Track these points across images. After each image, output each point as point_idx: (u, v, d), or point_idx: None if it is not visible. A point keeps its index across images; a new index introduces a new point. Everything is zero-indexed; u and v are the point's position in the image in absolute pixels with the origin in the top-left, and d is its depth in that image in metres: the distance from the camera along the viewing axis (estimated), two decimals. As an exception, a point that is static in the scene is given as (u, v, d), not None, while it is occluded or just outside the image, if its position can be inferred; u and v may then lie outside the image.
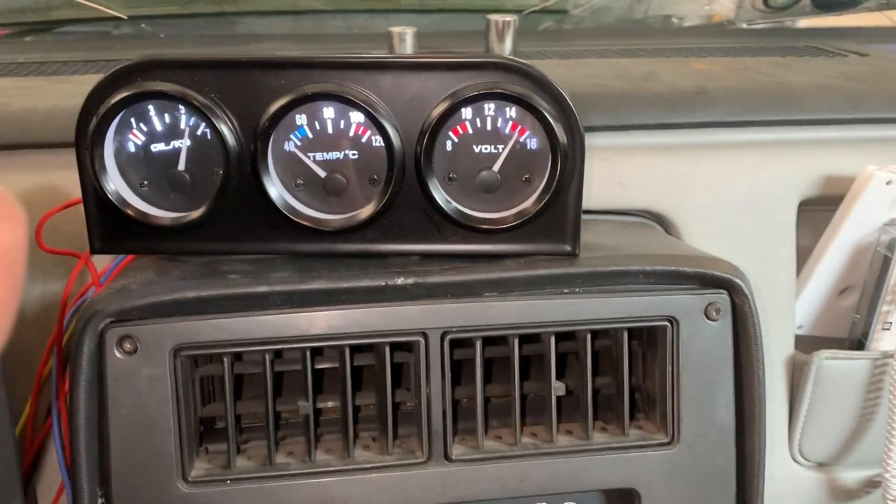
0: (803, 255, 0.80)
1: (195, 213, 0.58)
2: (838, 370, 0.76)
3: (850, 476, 0.80)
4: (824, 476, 0.80)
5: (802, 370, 0.77)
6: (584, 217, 0.74)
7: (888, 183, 0.74)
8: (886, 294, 0.76)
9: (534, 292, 0.60)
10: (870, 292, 0.78)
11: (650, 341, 0.63)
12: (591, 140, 0.76)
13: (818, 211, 0.80)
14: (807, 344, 0.80)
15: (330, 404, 0.61)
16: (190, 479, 0.57)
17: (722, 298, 0.60)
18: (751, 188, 0.77)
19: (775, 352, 0.78)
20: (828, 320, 0.82)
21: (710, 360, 0.61)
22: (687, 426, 0.61)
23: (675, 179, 0.77)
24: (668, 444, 0.61)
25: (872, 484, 0.81)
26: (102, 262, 0.67)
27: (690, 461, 0.61)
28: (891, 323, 0.78)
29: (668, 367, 0.60)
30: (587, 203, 0.75)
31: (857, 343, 0.80)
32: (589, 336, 0.61)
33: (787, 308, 0.79)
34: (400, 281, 0.57)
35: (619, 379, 0.62)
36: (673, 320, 0.60)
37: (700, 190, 0.77)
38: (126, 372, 0.55)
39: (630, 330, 0.62)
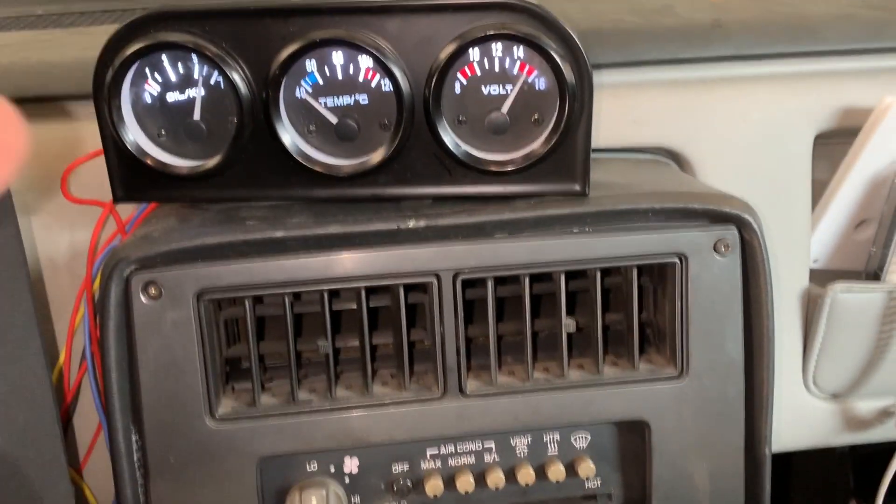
0: (819, 189, 0.80)
1: (212, 162, 0.60)
2: (853, 302, 0.76)
3: (864, 406, 0.82)
4: (838, 406, 0.81)
5: (817, 303, 0.77)
6: (596, 156, 0.75)
7: (906, 113, 0.73)
8: (903, 226, 0.76)
9: (544, 232, 0.61)
10: (886, 224, 0.78)
11: (660, 277, 0.64)
12: (604, 77, 0.76)
13: (835, 144, 0.79)
14: (823, 277, 0.80)
15: (349, 344, 0.63)
16: (217, 416, 0.60)
17: (731, 234, 0.61)
18: (766, 122, 0.77)
19: (790, 285, 0.79)
20: (844, 254, 0.82)
21: (719, 295, 0.62)
22: (696, 360, 0.62)
23: (690, 115, 0.76)
24: (678, 377, 0.63)
25: (886, 413, 0.82)
26: (126, 211, 0.69)
27: (699, 394, 0.63)
28: (907, 255, 0.78)
29: (678, 303, 0.62)
30: (600, 141, 0.76)
31: (874, 275, 0.80)
32: (599, 274, 0.62)
33: (801, 242, 0.79)
34: (412, 224, 0.59)
35: (629, 315, 0.63)
36: (682, 257, 0.61)
37: (714, 125, 0.76)
38: (152, 316, 0.57)
39: (640, 267, 0.63)
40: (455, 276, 0.60)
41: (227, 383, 0.64)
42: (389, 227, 0.58)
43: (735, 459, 0.65)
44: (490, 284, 0.61)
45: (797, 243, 0.79)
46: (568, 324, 0.62)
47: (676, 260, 0.61)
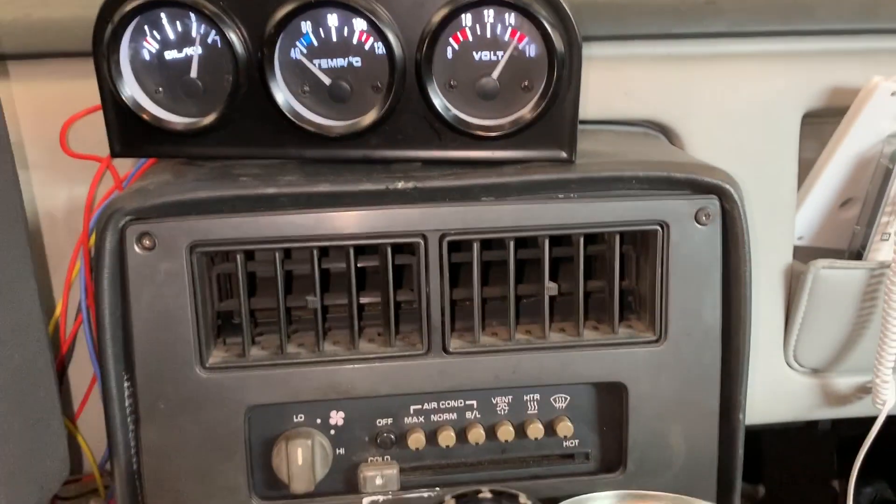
0: (807, 168, 0.81)
1: (207, 119, 0.62)
2: (834, 279, 0.78)
3: (843, 382, 0.83)
4: (818, 381, 0.83)
5: (800, 279, 0.79)
6: (587, 127, 0.76)
7: (893, 94, 0.74)
8: (886, 205, 0.77)
9: (530, 197, 0.62)
10: (871, 204, 0.79)
11: (643, 246, 0.66)
12: (596, 49, 0.77)
13: (823, 123, 0.81)
14: (808, 255, 0.82)
15: (338, 302, 0.65)
16: (207, 366, 0.62)
17: (712, 204, 0.63)
18: (755, 99, 0.78)
19: (774, 261, 0.80)
20: (829, 231, 0.83)
21: (699, 263, 0.63)
22: (674, 325, 0.64)
23: (680, 90, 0.77)
24: (656, 341, 0.65)
25: (864, 389, 0.83)
26: (124, 168, 0.70)
27: (676, 358, 0.64)
28: (889, 234, 0.79)
29: (658, 270, 0.63)
30: (591, 113, 0.77)
31: (857, 254, 0.81)
32: (582, 239, 0.63)
33: (787, 218, 0.80)
34: (400, 185, 0.60)
35: (611, 281, 0.65)
36: (663, 224, 0.62)
37: (704, 101, 0.78)
38: (145, 267, 0.59)
39: (622, 234, 0.64)
40: (441, 238, 0.61)
41: (218, 337, 0.66)
42: (378, 187, 0.60)
43: (709, 424, 0.66)
44: (476, 247, 0.62)
45: (782, 220, 0.80)
46: (550, 287, 0.64)
47: (658, 227, 0.62)
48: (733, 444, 0.67)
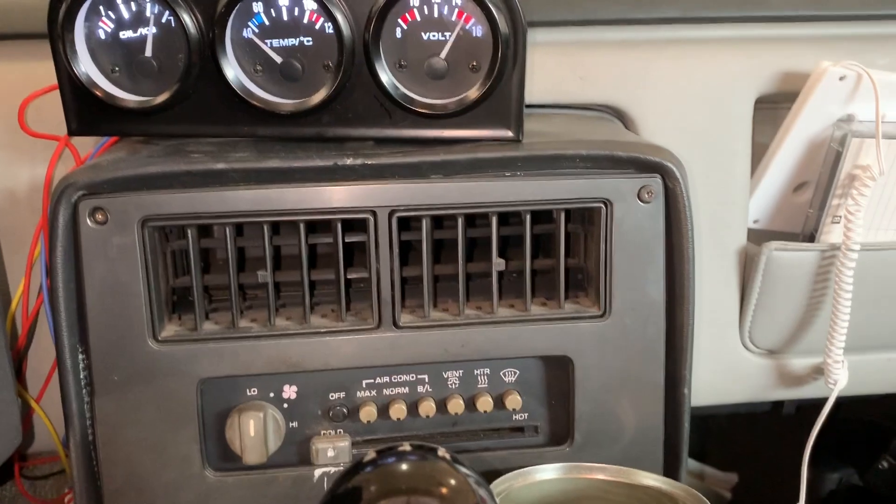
0: (762, 152, 0.82)
1: (161, 97, 0.63)
2: (787, 261, 0.79)
3: (798, 363, 0.85)
4: (773, 363, 0.85)
5: (753, 261, 0.80)
6: (543, 111, 0.78)
7: (841, 78, 0.76)
8: (837, 188, 0.79)
9: (478, 175, 0.64)
10: (823, 187, 0.80)
11: (590, 223, 0.67)
12: (553, 34, 0.78)
13: (777, 108, 0.82)
14: (764, 239, 0.83)
15: (292, 279, 0.66)
16: (160, 339, 0.63)
17: (655, 182, 0.64)
18: (708, 84, 0.79)
19: (728, 244, 0.82)
20: (784, 215, 0.85)
21: (642, 240, 0.65)
22: (618, 300, 0.66)
23: (635, 75, 0.79)
24: (601, 316, 0.66)
25: (818, 370, 0.85)
26: (86, 149, 0.72)
27: (621, 332, 0.66)
28: (840, 216, 0.80)
29: (602, 246, 0.65)
30: (547, 97, 0.78)
31: (810, 237, 0.83)
32: (529, 216, 0.65)
33: (740, 202, 0.82)
34: (349, 161, 0.62)
35: (557, 257, 0.66)
36: (607, 202, 0.64)
37: (659, 85, 0.79)
38: (98, 240, 0.60)
39: (570, 212, 0.66)
40: (391, 214, 0.63)
41: (174, 312, 0.67)
42: (327, 163, 0.61)
43: (655, 398, 0.68)
44: (425, 223, 0.64)
45: (736, 203, 0.82)
46: (498, 263, 0.65)
47: (602, 205, 0.64)
48: (679, 418, 0.68)
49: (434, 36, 0.63)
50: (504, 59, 0.61)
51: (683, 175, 0.64)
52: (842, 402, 1.34)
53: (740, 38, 0.80)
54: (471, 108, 0.63)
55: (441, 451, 0.44)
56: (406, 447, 0.43)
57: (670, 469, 0.70)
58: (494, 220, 0.64)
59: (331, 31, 0.62)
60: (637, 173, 0.64)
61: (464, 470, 0.44)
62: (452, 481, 0.43)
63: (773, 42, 0.80)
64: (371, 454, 0.44)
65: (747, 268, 0.82)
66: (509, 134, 0.64)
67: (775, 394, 0.87)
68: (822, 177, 0.80)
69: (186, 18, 0.61)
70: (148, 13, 0.62)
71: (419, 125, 0.65)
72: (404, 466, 0.43)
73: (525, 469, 0.64)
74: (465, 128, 0.65)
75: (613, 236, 0.64)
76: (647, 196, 0.64)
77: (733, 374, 0.84)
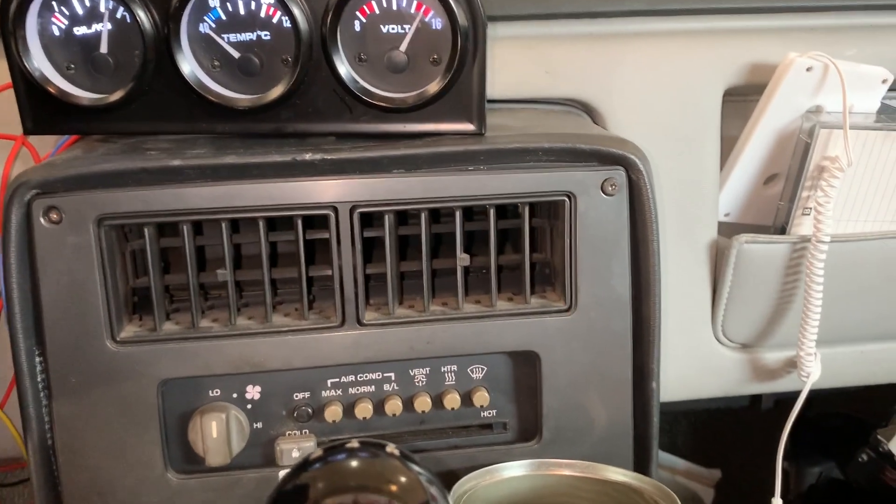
0: (731, 147, 0.82)
1: (116, 94, 0.62)
2: (758, 254, 0.79)
3: (772, 356, 0.85)
4: (747, 356, 0.84)
5: (724, 254, 0.80)
6: (509, 106, 0.77)
7: (808, 69, 0.76)
8: (806, 180, 0.79)
9: (440, 169, 0.63)
10: (793, 179, 0.80)
11: (555, 217, 0.67)
12: (518, 28, 0.78)
13: (747, 101, 0.82)
14: (737, 232, 0.83)
15: (254, 278, 0.65)
16: (119, 339, 0.62)
17: (618, 174, 0.64)
18: (676, 77, 0.79)
19: (699, 236, 0.81)
20: (755, 208, 0.85)
21: (607, 233, 0.64)
22: (584, 294, 0.65)
23: (602, 68, 0.78)
24: (567, 310, 0.66)
25: (792, 363, 0.85)
26: (46, 149, 0.71)
27: (587, 326, 0.65)
28: (810, 208, 0.80)
29: (567, 240, 0.64)
30: (513, 92, 0.78)
31: (781, 230, 0.82)
32: (493, 211, 0.64)
33: (710, 194, 0.81)
34: (308, 156, 0.61)
35: (522, 251, 0.65)
36: (570, 195, 0.63)
37: (626, 79, 0.79)
38: (53, 240, 0.59)
39: (536, 207, 0.65)
40: (352, 209, 0.62)
41: (135, 313, 0.66)
42: (285, 159, 0.60)
43: (623, 392, 0.67)
44: (388, 219, 0.63)
45: (705, 196, 0.81)
46: (463, 258, 0.65)
47: (565, 198, 0.63)
48: (648, 413, 0.68)
49: (393, 29, 0.62)
50: (464, 52, 0.61)
51: (647, 167, 0.64)
52: (821, 397, 1.34)
53: (707, 31, 0.80)
54: (432, 102, 0.62)
55: (390, 448, 0.43)
56: (354, 444, 0.42)
57: (641, 464, 0.69)
58: (458, 215, 0.64)
59: (288, 25, 0.61)
60: (600, 166, 0.64)
61: (415, 468, 0.44)
62: (402, 479, 0.42)
63: (740, 34, 0.80)
64: (318, 451, 0.43)
65: (718, 261, 0.82)
66: (471, 127, 0.64)
67: (750, 388, 0.87)
68: (792, 168, 0.80)
69: (141, 14, 0.60)
70: (102, 8, 0.61)
71: (380, 119, 0.64)
72: (353, 463, 0.42)
73: (492, 466, 0.63)
74: (427, 122, 0.64)
75: (578, 230, 0.64)
76: (610, 189, 0.63)
77: (707, 369, 0.84)
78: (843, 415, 1.34)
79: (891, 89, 0.80)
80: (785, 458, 1.38)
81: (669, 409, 1.40)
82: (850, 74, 0.76)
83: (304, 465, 0.43)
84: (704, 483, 1.46)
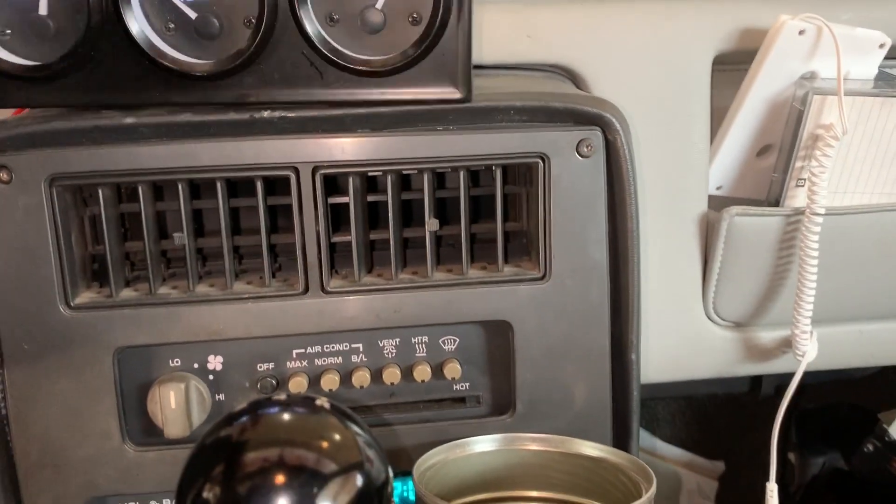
0: (723, 118, 0.79)
1: (57, 62, 0.57)
2: (749, 226, 0.76)
3: (767, 335, 0.81)
4: (740, 335, 0.81)
5: (714, 228, 0.77)
6: (491, 72, 0.74)
7: (801, 32, 0.73)
8: (800, 149, 0.75)
9: (407, 129, 0.60)
10: (786, 149, 0.77)
11: (530, 184, 0.64)
12: (499, -8, 0.75)
13: (737, 70, 0.79)
14: (729, 206, 0.80)
15: (214, 244, 0.63)
16: (73, 305, 0.60)
17: (594, 135, 0.61)
18: (663, 42, 0.76)
19: (688, 209, 0.78)
20: (748, 181, 0.82)
21: (582, 197, 0.61)
22: (559, 261, 0.62)
23: (585, 33, 0.75)
24: (541, 279, 0.63)
25: (787, 343, 0.81)
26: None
27: (562, 295, 0.62)
28: (804, 179, 0.77)
29: (541, 204, 0.61)
30: (494, 58, 0.75)
31: (775, 203, 0.79)
32: (464, 174, 0.62)
33: (699, 166, 0.78)
34: (266, 114, 0.58)
35: (495, 217, 0.63)
36: (544, 156, 0.61)
37: (610, 43, 0.76)
38: (3, 201, 0.57)
39: (506, 171, 0.62)
40: (314, 170, 0.59)
41: (96, 280, 0.64)
42: (243, 116, 0.58)
43: (601, 364, 0.65)
44: (352, 181, 0.60)
45: (694, 168, 0.78)
46: (432, 223, 0.62)
47: (539, 160, 0.61)
48: (627, 385, 0.65)
49: None
50: (446, 9, 0.57)
51: (625, 128, 0.61)
52: (826, 386, 1.30)
53: (696, -7, 0.77)
54: (412, 65, 0.58)
55: (321, 401, 0.41)
56: (282, 397, 0.40)
57: (620, 440, 0.67)
58: (426, 178, 0.61)
59: None
60: (575, 126, 0.61)
61: (353, 426, 0.41)
62: (336, 436, 0.39)
63: (731, -4, 0.77)
64: (244, 404, 0.41)
65: (709, 236, 0.79)
66: (456, 93, 0.59)
67: (744, 368, 0.84)
68: (785, 139, 0.77)
69: None
70: None
71: (354, 85, 0.60)
72: (283, 417, 0.40)
73: (461, 440, 0.61)
74: (407, 87, 0.60)
75: (552, 193, 0.61)
76: (586, 150, 0.61)
77: (698, 348, 0.81)
78: (849, 405, 1.31)
79: (891, 57, 0.77)
80: (789, 448, 1.35)
81: (667, 395, 1.37)
82: (845, 38, 0.73)
83: (229, 418, 0.40)
84: (708, 475, 1.43)
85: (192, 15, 0.59)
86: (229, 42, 0.59)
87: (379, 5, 0.59)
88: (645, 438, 1.41)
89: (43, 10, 0.57)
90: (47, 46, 0.58)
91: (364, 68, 0.59)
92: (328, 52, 0.59)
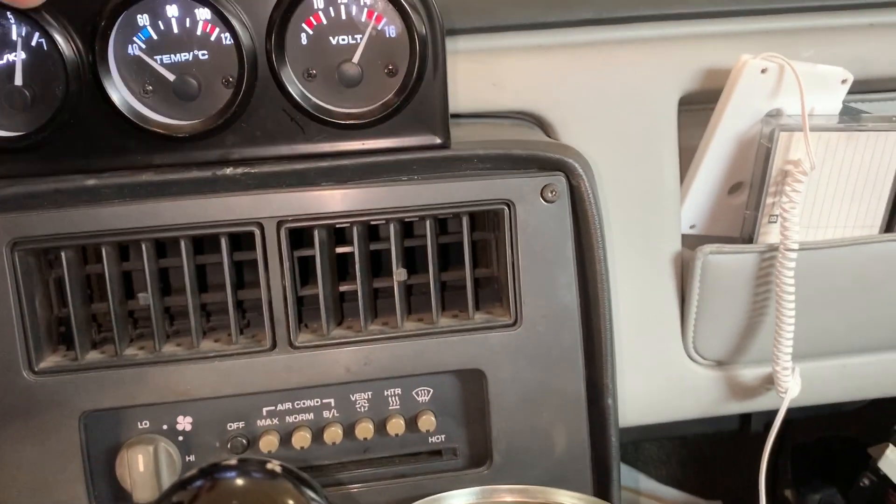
0: (692, 157, 0.79)
1: (35, 131, 0.57)
2: (724, 264, 0.76)
3: (749, 373, 0.81)
4: (722, 374, 0.80)
5: (689, 266, 0.77)
6: (462, 121, 0.75)
7: (763, 71, 0.73)
8: (770, 186, 0.76)
9: (371, 181, 0.60)
10: (757, 186, 0.77)
11: (498, 230, 0.64)
12: (464, 43, 0.76)
13: (704, 110, 0.79)
14: (700, 244, 0.80)
15: (180, 302, 0.62)
16: (37, 370, 0.59)
17: (558, 180, 0.61)
18: (629, 86, 0.77)
19: (662, 249, 0.78)
20: (721, 219, 0.82)
21: (549, 242, 0.61)
22: (529, 307, 0.62)
23: (552, 80, 0.76)
24: (512, 325, 0.62)
25: (769, 380, 0.81)
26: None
27: (534, 341, 0.62)
28: (777, 215, 0.77)
29: (508, 250, 0.61)
30: (462, 106, 0.76)
31: (749, 240, 0.79)
32: (430, 223, 0.61)
33: (671, 206, 0.78)
34: (230, 171, 0.58)
35: (464, 265, 0.62)
36: (510, 203, 0.61)
37: (578, 90, 0.76)
38: (-35, 267, 0.57)
39: (473, 218, 0.62)
40: (279, 225, 0.59)
41: (62, 343, 0.63)
42: (205, 174, 0.58)
43: (577, 410, 0.64)
44: (318, 234, 0.60)
45: (666, 208, 0.78)
46: (400, 273, 0.62)
47: (504, 206, 0.61)
48: (605, 430, 0.64)
49: (343, 40, 0.59)
50: (423, 60, 0.58)
51: (589, 172, 0.61)
52: (822, 421, 1.29)
53: (659, 38, 0.78)
54: (392, 115, 0.59)
55: (270, 465, 0.40)
56: (232, 462, 0.39)
57: (601, 487, 0.65)
58: (393, 228, 0.61)
59: (229, 41, 0.58)
60: (539, 172, 0.61)
61: (308, 492, 0.40)
62: (290, 502, 0.38)
63: (693, 39, 0.78)
64: (193, 471, 0.40)
65: (685, 275, 0.79)
66: (436, 140, 0.60)
67: (728, 407, 0.83)
68: (756, 175, 0.77)
69: (60, 39, 0.56)
70: (14, 36, 0.57)
71: (336, 138, 0.60)
72: (237, 482, 0.39)
73: (437, 496, 0.59)
74: (387, 136, 0.60)
75: (519, 239, 0.61)
76: (550, 195, 0.61)
77: (681, 388, 0.80)
78: (844, 438, 1.29)
79: (856, 92, 0.78)
80: (785, 484, 1.33)
81: (659, 436, 1.35)
82: (807, 75, 0.73)
83: (181, 484, 0.39)
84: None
85: (170, 77, 0.59)
86: (208, 102, 0.59)
87: (355, 59, 0.60)
88: (642, 480, 1.39)
89: (18, 80, 0.57)
90: (26, 116, 0.58)
91: (346, 122, 0.60)
92: (309, 107, 0.59)
